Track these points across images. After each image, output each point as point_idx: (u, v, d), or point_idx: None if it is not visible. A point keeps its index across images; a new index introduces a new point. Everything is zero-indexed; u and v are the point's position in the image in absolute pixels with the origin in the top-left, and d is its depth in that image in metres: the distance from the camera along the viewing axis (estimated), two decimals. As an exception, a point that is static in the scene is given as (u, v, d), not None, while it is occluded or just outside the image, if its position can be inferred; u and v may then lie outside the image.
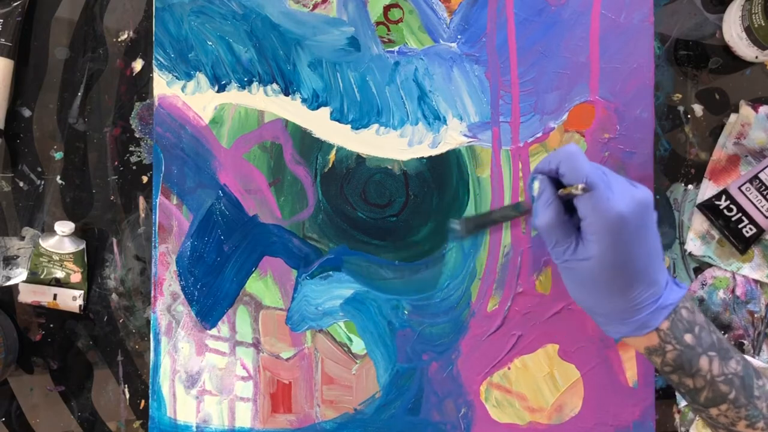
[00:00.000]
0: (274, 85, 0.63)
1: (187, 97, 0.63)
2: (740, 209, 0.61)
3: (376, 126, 0.63)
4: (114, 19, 0.63)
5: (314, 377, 0.63)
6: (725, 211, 0.62)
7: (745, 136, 0.62)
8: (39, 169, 0.63)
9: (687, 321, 0.45)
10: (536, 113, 0.63)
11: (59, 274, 0.62)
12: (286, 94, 0.63)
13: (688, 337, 0.45)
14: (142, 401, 0.63)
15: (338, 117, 0.63)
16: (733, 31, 0.62)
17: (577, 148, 0.45)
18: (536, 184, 0.46)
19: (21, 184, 0.63)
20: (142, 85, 0.63)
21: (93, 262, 0.63)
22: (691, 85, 0.63)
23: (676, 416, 0.63)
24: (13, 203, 0.63)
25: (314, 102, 0.63)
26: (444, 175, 0.63)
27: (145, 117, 0.63)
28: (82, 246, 0.62)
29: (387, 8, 0.62)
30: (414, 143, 0.63)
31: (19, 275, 0.63)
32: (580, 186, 0.43)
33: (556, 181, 0.46)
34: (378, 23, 0.62)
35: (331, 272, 0.63)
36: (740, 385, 0.45)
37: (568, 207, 0.46)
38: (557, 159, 0.45)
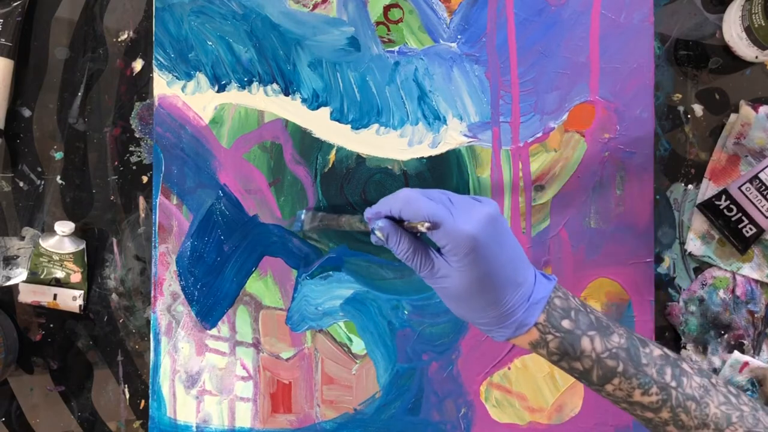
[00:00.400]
0: (274, 85, 0.63)
1: (187, 97, 0.63)
2: (740, 209, 0.61)
3: (376, 126, 0.63)
4: (114, 19, 0.63)
5: (314, 377, 0.63)
6: (725, 211, 0.62)
7: (745, 136, 0.62)
8: (39, 169, 0.63)
9: (561, 309, 0.47)
10: (536, 113, 0.63)
11: (59, 274, 0.62)
12: (286, 94, 0.63)
13: (565, 323, 0.47)
14: (142, 401, 0.63)
15: (338, 117, 0.63)
16: (733, 31, 0.62)
17: (412, 192, 0.48)
18: (378, 232, 0.49)
19: (21, 184, 0.63)
20: (142, 85, 0.63)
21: (93, 262, 0.63)
22: (691, 85, 0.63)
23: (676, 416, 0.63)
24: (13, 203, 0.63)
25: (314, 102, 0.63)
26: (444, 175, 0.63)
27: (145, 117, 0.63)
28: (82, 246, 0.62)
29: (387, 8, 0.62)
30: (414, 143, 0.63)
31: (19, 275, 0.63)
32: (425, 225, 0.46)
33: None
34: (378, 23, 0.62)
35: (331, 272, 0.63)
36: (626, 356, 0.46)
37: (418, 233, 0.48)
38: (396, 206, 0.48)
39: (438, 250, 0.48)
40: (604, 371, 0.47)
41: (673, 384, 0.46)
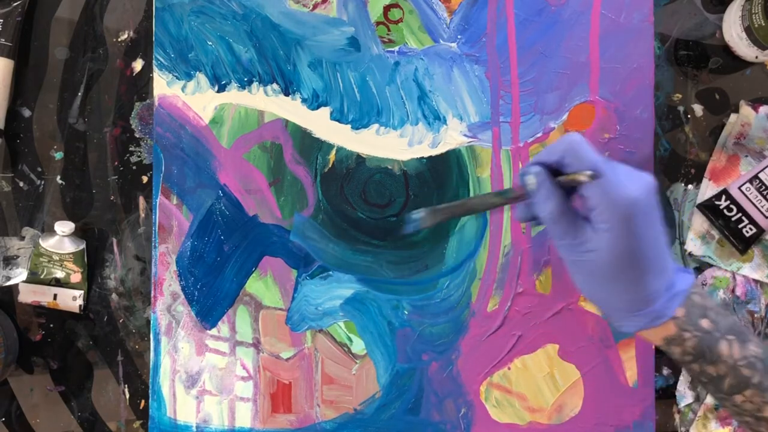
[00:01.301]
0: (274, 85, 0.63)
1: (187, 97, 0.63)
2: (740, 209, 0.61)
3: (376, 126, 0.63)
4: (114, 19, 0.63)
5: (314, 377, 0.63)
6: (725, 211, 0.62)
7: (745, 136, 0.62)
8: (39, 169, 0.63)
9: (700, 306, 0.43)
10: (536, 113, 0.63)
11: (59, 274, 0.62)
12: (286, 94, 0.63)
13: (704, 323, 0.43)
14: (142, 401, 0.63)
15: (338, 117, 0.63)
16: (733, 31, 0.62)
17: (580, 136, 0.42)
18: (531, 178, 0.43)
19: (21, 184, 0.63)
20: (142, 85, 0.63)
21: (93, 262, 0.63)
22: (691, 85, 0.63)
23: (676, 416, 0.63)
24: (13, 203, 0.63)
25: (314, 102, 0.63)
26: (444, 175, 0.63)
27: (145, 117, 0.63)
28: (82, 246, 0.62)
29: (387, 8, 0.62)
30: (414, 143, 0.63)
31: (19, 275, 0.63)
32: (587, 173, 0.41)
33: (553, 172, 0.44)
34: (378, 23, 0.62)
35: (331, 272, 0.63)
36: (763, 368, 0.43)
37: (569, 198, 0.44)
38: (560, 149, 0.42)
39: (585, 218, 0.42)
40: (738, 381, 0.43)
41: None
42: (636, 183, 0.41)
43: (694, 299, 0.43)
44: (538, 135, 0.63)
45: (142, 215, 0.63)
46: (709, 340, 0.43)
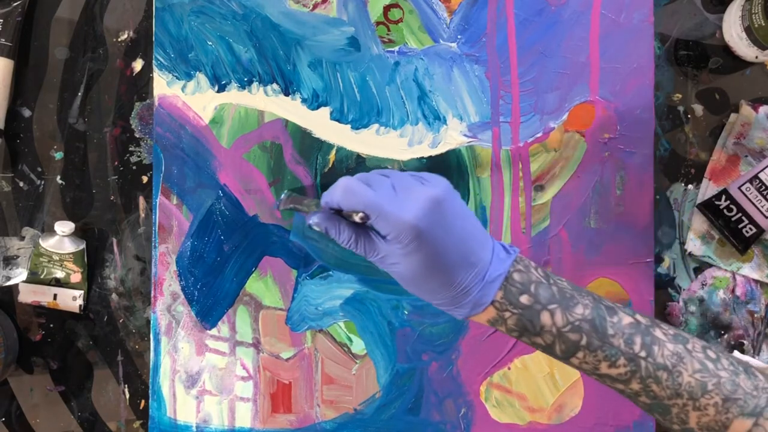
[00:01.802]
0: (274, 85, 0.63)
1: (187, 97, 0.63)
2: (740, 209, 0.61)
3: (376, 126, 0.63)
4: (114, 19, 0.63)
5: (314, 377, 0.63)
6: (725, 211, 0.62)
7: (745, 136, 0.62)
8: (39, 169, 0.63)
9: (520, 283, 0.46)
10: (536, 113, 0.63)
11: (59, 274, 0.62)
12: (286, 94, 0.63)
13: (524, 298, 0.45)
14: (142, 401, 0.63)
15: (338, 117, 0.63)
16: (733, 31, 0.62)
17: (351, 181, 0.46)
18: (314, 227, 0.48)
19: (21, 184, 0.63)
20: (142, 85, 0.63)
21: (93, 262, 0.63)
22: (691, 85, 0.63)
23: (676, 416, 0.63)
24: (13, 203, 0.63)
25: (314, 102, 0.63)
26: (444, 175, 0.62)
27: (145, 117, 0.63)
28: (82, 246, 0.62)
29: (387, 8, 0.62)
30: (414, 143, 0.63)
31: (19, 275, 0.63)
32: (358, 215, 0.45)
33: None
34: (378, 23, 0.62)
35: (331, 272, 0.63)
36: (590, 328, 0.45)
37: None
38: (335, 197, 0.47)
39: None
40: (567, 345, 0.45)
41: (643, 354, 0.45)
42: (414, 206, 0.44)
43: (514, 278, 0.46)
44: (538, 135, 0.63)
45: (142, 215, 0.63)
46: (529, 314, 0.45)
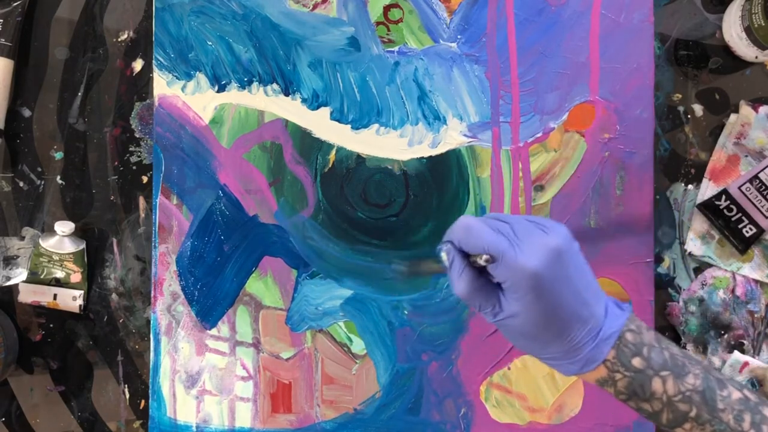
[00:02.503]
0: (274, 85, 0.63)
1: (187, 97, 0.63)
2: (740, 209, 0.61)
3: (376, 126, 0.63)
4: (114, 19, 0.63)
5: (314, 377, 0.63)
6: (725, 211, 0.62)
7: (745, 136, 0.62)
8: (39, 169, 0.63)
9: (633, 344, 0.44)
10: (536, 113, 0.63)
11: (59, 274, 0.62)
12: (286, 94, 0.63)
13: (636, 362, 0.44)
14: (142, 401, 0.63)
15: (338, 117, 0.63)
16: (733, 31, 0.62)
17: (472, 220, 0.45)
18: (443, 255, 0.46)
19: (21, 184, 0.63)
20: (142, 85, 0.63)
21: (93, 262, 0.63)
22: (691, 85, 0.63)
23: (676, 416, 0.63)
24: (13, 203, 0.63)
25: (314, 102, 0.63)
26: (444, 175, 0.63)
27: (145, 117, 0.63)
28: (82, 246, 0.62)
29: (387, 8, 0.62)
30: (414, 143, 0.63)
31: (19, 275, 0.63)
32: (483, 257, 0.43)
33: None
34: (378, 23, 0.62)
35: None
36: (700, 400, 0.44)
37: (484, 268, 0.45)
38: (456, 235, 0.45)
39: (499, 284, 0.45)
40: (675, 415, 0.44)
41: None
42: (537, 253, 0.42)
43: (626, 338, 0.44)
44: (538, 135, 0.63)
45: (142, 215, 0.63)
46: (641, 379, 0.44)
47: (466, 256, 0.45)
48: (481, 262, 0.43)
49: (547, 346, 0.44)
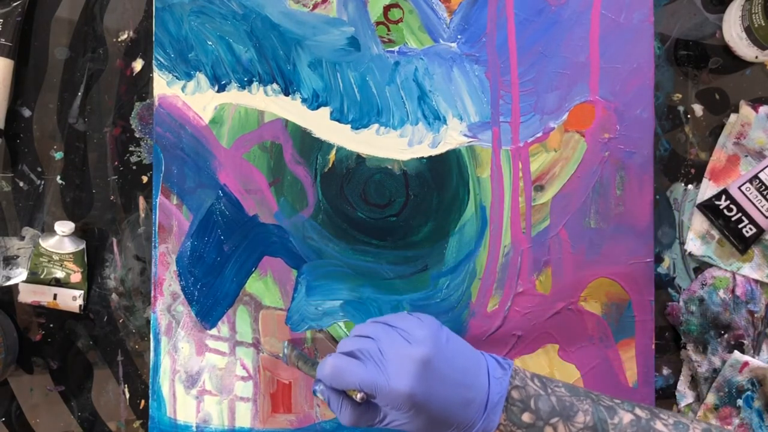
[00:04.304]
0: (274, 85, 0.63)
1: (187, 97, 0.63)
2: (740, 209, 0.61)
3: (376, 126, 0.63)
4: (114, 19, 0.63)
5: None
6: (725, 211, 0.62)
7: (745, 136, 0.62)
8: (39, 169, 0.63)
9: (520, 401, 0.46)
10: (536, 113, 0.63)
11: (59, 274, 0.62)
12: (286, 94, 0.63)
13: (526, 416, 0.46)
14: (142, 401, 0.63)
15: (338, 117, 0.63)
16: (733, 31, 0.62)
17: (337, 360, 0.47)
18: (319, 395, 0.49)
19: (21, 184, 0.63)
20: (142, 85, 0.63)
21: (93, 262, 0.63)
22: (691, 85, 0.63)
23: (676, 416, 0.63)
24: (13, 203, 0.63)
25: (314, 102, 0.63)
26: (444, 175, 0.63)
27: (145, 117, 0.63)
28: (82, 246, 0.62)
29: (387, 8, 0.62)
30: (414, 143, 0.63)
31: (19, 275, 0.63)
32: (358, 396, 0.46)
33: None
34: (378, 23, 0.62)
35: (331, 271, 0.63)
36: None
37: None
38: (326, 378, 0.47)
39: None
40: None
41: None
42: (405, 375, 0.45)
43: (513, 397, 0.47)
44: (538, 135, 0.63)
45: (142, 215, 0.63)
46: None
47: (341, 391, 0.48)
48: (357, 399, 0.46)
49: None
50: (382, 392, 0.45)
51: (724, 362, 0.62)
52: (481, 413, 0.46)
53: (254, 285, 0.63)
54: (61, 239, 0.62)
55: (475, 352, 0.48)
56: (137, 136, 0.63)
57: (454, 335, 0.49)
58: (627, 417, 0.46)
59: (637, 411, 0.47)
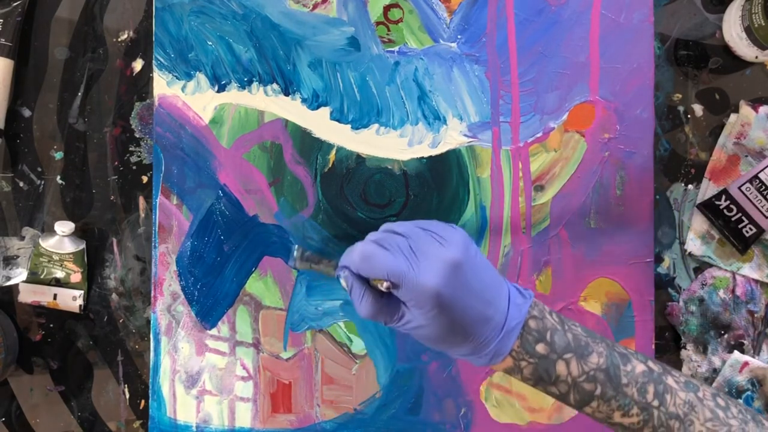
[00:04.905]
0: (274, 85, 0.63)
1: (187, 97, 0.63)
2: (740, 209, 0.61)
3: (376, 126, 0.63)
4: (114, 19, 0.63)
5: (314, 377, 0.63)
6: (725, 211, 0.62)
7: (745, 136, 0.62)
8: (39, 169, 0.63)
9: (536, 331, 0.46)
10: (536, 113, 0.63)
11: (59, 274, 0.62)
12: (286, 94, 0.63)
13: (540, 347, 0.45)
14: (142, 401, 0.63)
15: (338, 117, 0.63)
16: (733, 31, 0.62)
17: (368, 247, 0.46)
18: (343, 281, 0.47)
19: (21, 184, 0.63)
20: (142, 85, 0.63)
21: (93, 262, 0.63)
22: (691, 85, 0.63)
23: (676, 416, 0.63)
24: (13, 203, 0.63)
25: (314, 102, 0.63)
26: (444, 175, 0.63)
27: (145, 117, 0.63)
28: (82, 246, 0.62)
29: (387, 8, 0.62)
30: (414, 143, 0.63)
31: (19, 275, 0.63)
32: (384, 284, 0.45)
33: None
34: (378, 23, 0.62)
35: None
36: (605, 378, 0.45)
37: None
38: (354, 263, 0.46)
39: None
40: (582, 395, 0.46)
41: (655, 403, 0.45)
42: (435, 269, 0.44)
43: (530, 326, 0.46)
44: (538, 135, 0.63)
45: (142, 215, 0.63)
46: (545, 364, 0.45)
47: (365, 280, 0.47)
48: (383, 288, 0.45)
49: (455, 346, 0.46)
50: (409, 285, 0.44)
51: (724, 362, 0.62)
52: (497, 334, 0.45)
53: (254, 285, 0.63)
54: (61, 239, 0.62)
55: (499, 275, 0.47)
56: (137, 136, 0.63)
57: (481, 253, 0.48)
58: (640, 367, 0.46)
59: (650, 364, 0.46)
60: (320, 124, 0.63)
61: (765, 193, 0.61)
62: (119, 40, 0.63)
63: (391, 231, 0.48)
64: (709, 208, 0.62)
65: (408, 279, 0.44)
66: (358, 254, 0.46)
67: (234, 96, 0.63)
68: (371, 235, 0.48)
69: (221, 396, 0.63)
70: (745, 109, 0.62)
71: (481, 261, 0.46)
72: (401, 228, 0.47)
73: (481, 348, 0.45)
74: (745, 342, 0.63)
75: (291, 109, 0.63)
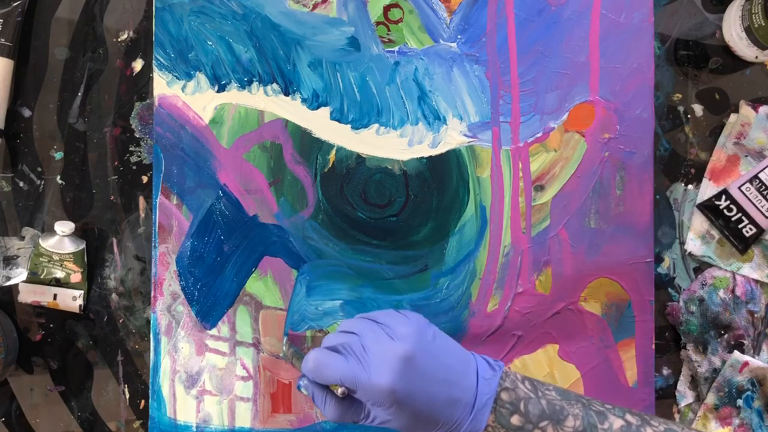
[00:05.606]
0: (274, 85, 0.63)
1: (187, 97, 0.63)
2: (740, 209, 0.61)
3: (376, 126, 0.63)
4: (114, 19, 0.63)
5: (314, 377, 0.63)
6: (725, 211, 0.62)
7: (745, 136, 0.62)
8: (39, 169, 0.63)
9: (510, 403, 0.46)
10: (536, 113, 0.63)
11: (59, 274, 0.62)
12: (286, 94, 0.63)
13: (515, 419, 0.45)
14: (142, 401, 0.63)
15: (338, 117, 0.63)
16: (733, 31, 0.62)
17: (319, 355, 0.47)
18: (303, 391, 0.49)
19: (21, 184, 0.63)
20: (142, 85, 0.63)
21: (93, 262, 0.63)
22: (691, 85, 0.63)
23: (676, 416, 0.63)
24: (13, 203, 0.63)
25: (314, 102, 0.63)
26: (444, 175, 0.63)
27: (145, 117, 0.63)
28: (82, 246, 0.62)
29: (387, 8, 0.62)
30: (414, 143, 0.63)
31: (19, 275, 0.63)
32: (339, 390, 0.46)
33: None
34: (378, 23, 0.62)
35: (331, 270, 0.63)
36: None
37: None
38: (308, 372, 0.47)
39: None
40: None
41: None
42: (386, 370, 0.44)
43: (502, 399, 0.46)
44: (538, 135, 0.63)
45: (142, 215, 0.63)
46: None
47: (325, 386, 0.47)
48: (339, 394, 0.46)
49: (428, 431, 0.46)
50: (363, 387, 0.45)
51: (724, 362, 0.62)
52: (468, 413, 0.45)
53: (254, 285, 0.63)
54: (61, 239, 0.62)
55: (464, 351, 0.48)
56: (137, 136, 0.63)
57: (443, 334, 0.48)
58: (617, 423, 0.46)
59: (628, 417, 0.46)
60: (320, 124, 0.63)
61: (765, 193, 0.61)
62: (119, 40, 0.63)
63: (345, 331, 0.49)
64: (709, 208, 0.62)
65: (361, 382, 0.45)
66: (311, 363, 0.47)
67: (234, 96, 0.63)
68: (327, 339, 0.49)
69: (221, 396, 0.63)
70: (745, 109, 0.62)
71: (441, 344, 0.47)
72: (355, 326, 0.48)
73: (454, 430, 0.46)
74: (745, 342, 0.63)
75: (291, 109, 0.63)
